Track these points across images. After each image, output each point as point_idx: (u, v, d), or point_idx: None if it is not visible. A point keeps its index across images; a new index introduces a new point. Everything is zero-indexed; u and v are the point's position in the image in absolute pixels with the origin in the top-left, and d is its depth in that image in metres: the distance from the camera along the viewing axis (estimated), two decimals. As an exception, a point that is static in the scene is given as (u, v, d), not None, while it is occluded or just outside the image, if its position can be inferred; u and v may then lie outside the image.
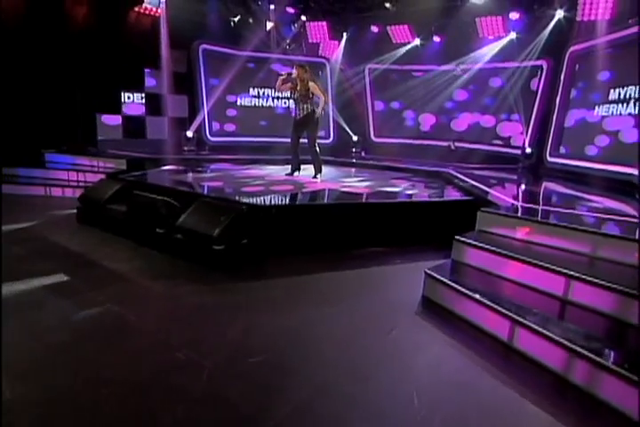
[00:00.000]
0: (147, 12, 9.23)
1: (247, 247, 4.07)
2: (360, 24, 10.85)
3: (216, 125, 10.88)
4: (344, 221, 4.46)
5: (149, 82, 9.73)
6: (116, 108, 9.47)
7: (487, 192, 5.19)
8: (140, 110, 9.83)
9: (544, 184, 7.21)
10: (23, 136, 8.19)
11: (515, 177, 8.28)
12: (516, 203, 4.64)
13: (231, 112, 11.13)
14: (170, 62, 9.95)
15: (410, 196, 5.31)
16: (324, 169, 6.55)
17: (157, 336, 2.78)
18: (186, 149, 10.23)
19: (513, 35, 9.77)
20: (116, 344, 2.68)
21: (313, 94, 6.20)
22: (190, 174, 6.91)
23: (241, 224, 4.02)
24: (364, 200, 5.01)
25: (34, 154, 8.50)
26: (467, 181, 6.26)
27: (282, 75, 6.39)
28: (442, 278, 3.20)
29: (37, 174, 7.99)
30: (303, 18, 10.35)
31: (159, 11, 9.21)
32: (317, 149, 6.39)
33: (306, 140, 6.45)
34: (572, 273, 2.81)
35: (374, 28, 10.90)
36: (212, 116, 10.72)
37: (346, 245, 4.46)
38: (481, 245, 3.41)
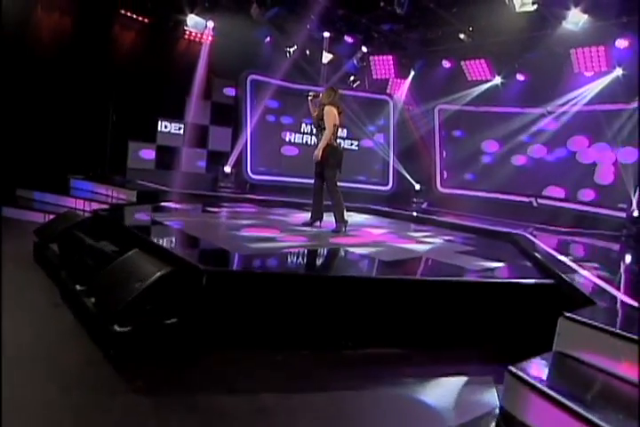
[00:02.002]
0: (193, 38, 8.67)
1: (176, 331, 2.63)
2: (430, 58, 9.58)
3: (259, 162, 9.88)
4: (337, 304, 2.89)
5: (190, 111, 9.02)
6: (150, 136, 8.83)
7: (580, 275, 3.35)
8: (177, 141, 9.11)
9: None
10: (53, 159, 7.71)
11: (616, 248, 6.19)
12: (633, 303, 2.75)
13: (279, 149, 10.13)
14: (214, 92, 9.31)
15: (455, 270, 3.58)
16: (362, 218, 5.04)
17: None
18: (222, 185, 9.27)
19: (618, 70, 7.92)
20: None
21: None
22: (181, 214, 5.69)
23: (167, 295, 2.61)
24: (374, 273, 3.41)
25: (61, 178, 7.98)
26: (546, 252, 4.43)
27: (310, 95, 5.15)
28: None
29: (49, 199, 7.31)
30: (364, 49, 9.29)
31: (204, 36, 8.61)
32: (338, 193, 4.94)
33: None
34: None
35: (446, 63, 9.55)
36: (256, 151, 9.75)
37: (335, 341, 2.86)
38: (557, 395, 1.67)
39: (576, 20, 7.25)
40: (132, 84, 8.31)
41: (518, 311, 3.14)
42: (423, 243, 4.87)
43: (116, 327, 2.46)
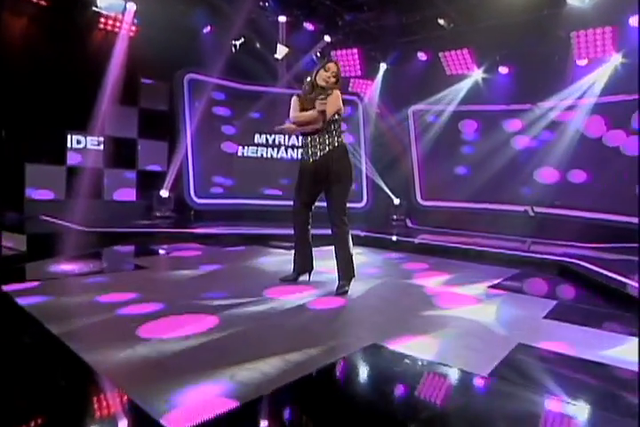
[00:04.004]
0: (110, 27, 6.68)
1: None
2: (403, 50, 8.13)
3: (205, 183, 7.96)
4: None
5: (111, 121, 6.95)
6: (57, 155, 6.69)
7: None
8: (96, 160, 6.99)
9: None
10: None
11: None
12: None
13: (228, 165, 8.26)
14: (141, 97, 7.34)
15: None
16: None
17: None
18: (159, 215, 7.25)
19: (618, 58, 6.80)
20: None
21: (339, 115, 3.10)
22: (83, 284, 3.26)
23: None
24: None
25: None
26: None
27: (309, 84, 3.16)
28: None
29: None
30: (327, 39, 7.66)
31: (124, 24, 6.64)
32: (347, 227, 3.19)
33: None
34: None
35: (422, 56, 8.15)
36: (201, 169, 7.83)
37: None
38: None
39: (585, -7, 6.03)
40: (27, 87, 6.19)
41: None
42: (477, 296, 3.24)
43: None
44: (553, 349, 2.17)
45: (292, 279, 3.36)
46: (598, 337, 2.40)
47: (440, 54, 7.95)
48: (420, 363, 1.94)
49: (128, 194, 7.38)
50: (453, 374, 1.84)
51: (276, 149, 8.60)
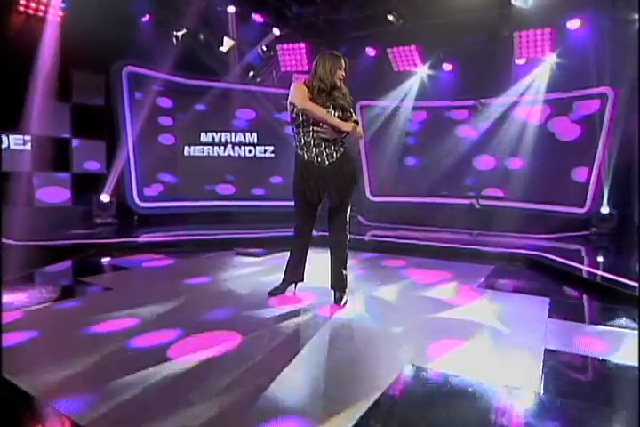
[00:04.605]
0: (33, 12, 5.89)
1: None
2: (352, 45, 8.02)
3: (149, 185, 7.38)
4: None
5: (39, 118, 6.17)
6: (-25, 159, 5.85)
7: None
8: (22, 162, 6.20)
9: None
10: None
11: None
12: None
13: (173, 165, 7.72)
14: (74, 91, 6.60)
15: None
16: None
17: None
18: (100, 221, 6.60)
19: (553, 58, 7.20)
20: None
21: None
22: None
23: None
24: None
25: None
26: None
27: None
28: None
29: None
30: (276, 31, 7.36)
31: (50, 9, 5.90)
32: (349, 235, 3.09)
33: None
34: None
35: (370, 51, 8.11)
36: (144, 171, 7.24)
37: None
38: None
39: (528, -5, 6.27)
40: None
41: None
42: (472, 298, 3.24)
43: None
44: (580, 353, 2.16)
45: (280, 292, 3.17)
46: (617, 336, 2.44)
47: (388, 50, 7.95)
48: (471, 385, 1.83)
49: (62, 199, 6.63)
50: (514, 395, 1.74)
51: (222, 148, 8.17)
